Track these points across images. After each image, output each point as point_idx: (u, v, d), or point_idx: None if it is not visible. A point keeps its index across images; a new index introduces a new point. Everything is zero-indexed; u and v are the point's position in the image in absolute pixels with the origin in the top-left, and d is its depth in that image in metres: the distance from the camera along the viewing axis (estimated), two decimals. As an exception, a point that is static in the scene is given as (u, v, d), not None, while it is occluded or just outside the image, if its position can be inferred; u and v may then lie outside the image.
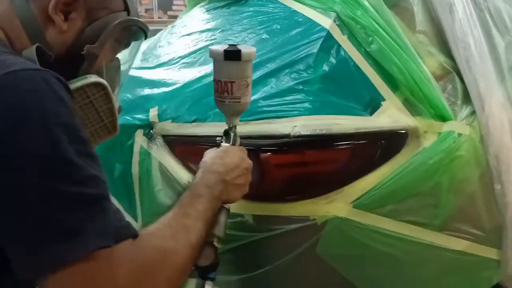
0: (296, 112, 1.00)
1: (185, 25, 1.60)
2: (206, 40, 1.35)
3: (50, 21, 0.67)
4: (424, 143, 1.02)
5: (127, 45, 0.83)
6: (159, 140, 1.15)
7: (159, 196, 1.13)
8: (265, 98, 1.03)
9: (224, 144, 0.88)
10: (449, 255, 1.02)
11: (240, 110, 0.89)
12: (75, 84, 0.68)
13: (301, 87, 1.02)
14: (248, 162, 0.84)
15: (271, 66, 1.08)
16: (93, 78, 0.71)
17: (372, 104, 1.03)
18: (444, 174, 1.00)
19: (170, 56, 1.40)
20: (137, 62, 1.54)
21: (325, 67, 1.05)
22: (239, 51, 0.81)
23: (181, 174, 1.09)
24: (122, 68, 0.86)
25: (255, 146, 0.96)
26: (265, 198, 0.98)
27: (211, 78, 1.14)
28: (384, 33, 1.06)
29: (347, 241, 0.97)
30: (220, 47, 0.83)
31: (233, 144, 0.88)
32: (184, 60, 1.33)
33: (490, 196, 1.06)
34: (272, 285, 1.02)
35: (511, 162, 1.07)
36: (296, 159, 0.97)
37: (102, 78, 0.73)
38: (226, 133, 0.90)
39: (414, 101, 1.03)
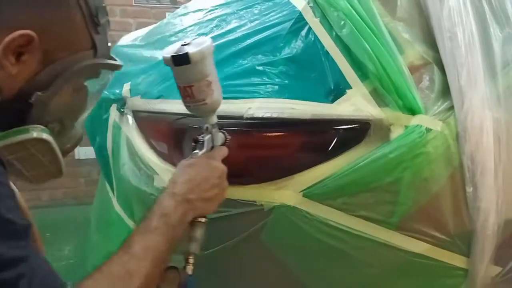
0: (255, 94, 0.97)
1: (187, 6, 1.60)
2: (194, 20, 1.34)
3: None
4: (389, 136, 0.96)
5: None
6: (129, 115, 1.16)
7: (123, 170, 1.14)
8: (226, 78, 1.00)
9: (194, 153, 0.81)
10: (405, 257, 0.96)
11: (210, 110, 0.83)
12: (12, 139, 0.62)
13: (262, 68, 0.99)
14: (221, 170, 0.80)
15: (239, 46, 1.06)
16: (34, 133, 0.63)
17: (336, 91, 0.97)
18: (405, 170, 0.93)
19: (160, 35, 1.41)
20: (136, 41, 1.56)
21: (292, 50, 1.01)
22: (186, 54, 0.74)
23: (143, 150, 1.09)
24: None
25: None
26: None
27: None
28: (358, 17, 1.00)
29: (294, 230, 0.94)
30: (169, 51, 0.76)
31: (213, 145, 0.84)
32: (170, 39, 1.32)
33: (460, 198, 0.99)
34: (216, 268, 1.00)
35: (488, 164, 0.99)
36: (246, 142, 0.95)
37: (59, 121, 0.68)
38: (196, 140, 0.83)
39: (382, 91, 0.97)
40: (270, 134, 0.94)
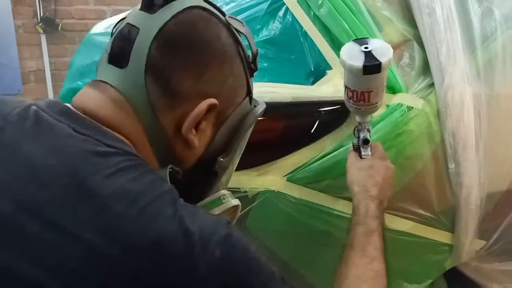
0: (234, 79, 0.95)
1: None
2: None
3: (181, 137, 0.55)
4: (371, 116, 0.95)
5: None
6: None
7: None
8: (203, 63, 0.98)
9: (365, 154, 0.84)
10: (390, 235, 0.96)
11: (374, 112, 0.86)
12: (215, 211, 0.60)
13: (240, 52, 0.97)
14: (391, 169, 0.83)
15: (216, 30, 1.03)
16: (233, 201, 0.62)
17: (316, 73, 0.96)
18: (389, 149, 0.93)
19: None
20: (109, 28, 1.52)
21: (270, 32, 0.99)
22: (379, 64, 0.74)
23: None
24: None
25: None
26: (196, 167, 0.95)
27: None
28: (336, -4, 0.98)
29: (279, 215, 0.93)
30: (356, 59, 0.75)
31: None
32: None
33: (443, 175, 0.99)
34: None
35: (469, 140, 0.99)
36: (227, 128, 0.93)
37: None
38: (366, 141, 0.84)
39: (363, 71, 0.96)
40: (251, 119, 0.93)
